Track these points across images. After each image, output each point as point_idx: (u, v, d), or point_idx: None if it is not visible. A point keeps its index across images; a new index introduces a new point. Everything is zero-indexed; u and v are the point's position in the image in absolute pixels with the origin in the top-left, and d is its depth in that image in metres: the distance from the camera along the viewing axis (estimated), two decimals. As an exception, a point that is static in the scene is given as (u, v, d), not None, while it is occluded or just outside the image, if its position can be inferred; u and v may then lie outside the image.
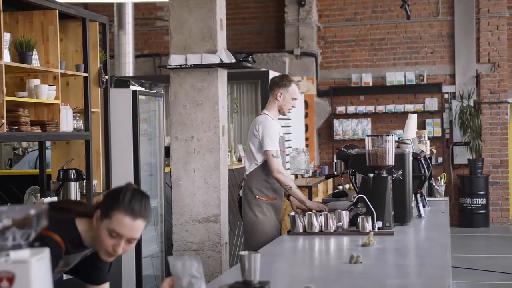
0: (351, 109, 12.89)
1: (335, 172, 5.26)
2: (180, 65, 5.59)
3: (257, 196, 5.20)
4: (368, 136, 4.51)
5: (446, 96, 12.75)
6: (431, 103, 12.64)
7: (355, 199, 4.49)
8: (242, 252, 2.74)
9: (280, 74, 5.77)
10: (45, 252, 1.79)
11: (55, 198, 5.37)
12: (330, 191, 10.29)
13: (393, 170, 4.53)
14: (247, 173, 5.30)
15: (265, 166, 5.20)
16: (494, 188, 12.57)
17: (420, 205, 5.09)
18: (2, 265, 1.72)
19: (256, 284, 2.76)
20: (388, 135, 4.47)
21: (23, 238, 1.77)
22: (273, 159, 5.12)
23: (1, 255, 1.73)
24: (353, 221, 4.36)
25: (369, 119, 12.88)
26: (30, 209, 1.77)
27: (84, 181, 5.69)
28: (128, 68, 11.13)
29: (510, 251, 10.43)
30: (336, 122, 12.93)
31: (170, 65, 5.61)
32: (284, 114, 5.38)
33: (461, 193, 12.38)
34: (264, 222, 5.18)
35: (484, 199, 12.26)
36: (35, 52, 4.99)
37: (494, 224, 12.50)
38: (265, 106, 5.42)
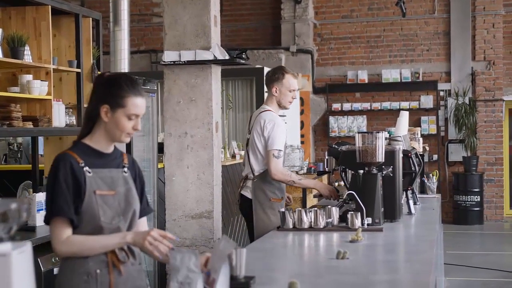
0: (346, 106, 12.90)
1: (326, 168, 5.26)
2: (174, 61, 5.59)
3: (271, 199, 5.13)
4: (358, 133, 4.51)
5: (441, 93, 12.77)
6: (427, 101, 12.65)
7: (345, 195, 4.51)
8: (227, 247, 2.76)
9: (274, 67, 5.60)
10: (27, 246, 1.81)
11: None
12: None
13: (383, 167, 4.53)
14: (255, 173, 5.18)
15: None
16: (488, 186, 12.60)
17: (411, 201, 5.09)
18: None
19: (242, 279, 2.79)
20: (378, 132, 4.48)
21: (4, 231, 1.79)
22: (273, 159, 4.99)
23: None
24: (343, 218, 4.37)
25: (365, 116, 12.89)
26: (10, 203, 1.79)
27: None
28: (124, 64, 11.07)
29: (504, 248, 10.48)
30: (331, 119, 12.95)
31: (164, 61, 5.62)
32: (285, 108, 5.27)
33: (456, 191, 12.40)
34: (277, 224, 5.14)
35: (479, 196, 12.28)
36: (27, 47, 5.01)
37: (488, 222, 12.53)
38: (265, 101, 5.33)
